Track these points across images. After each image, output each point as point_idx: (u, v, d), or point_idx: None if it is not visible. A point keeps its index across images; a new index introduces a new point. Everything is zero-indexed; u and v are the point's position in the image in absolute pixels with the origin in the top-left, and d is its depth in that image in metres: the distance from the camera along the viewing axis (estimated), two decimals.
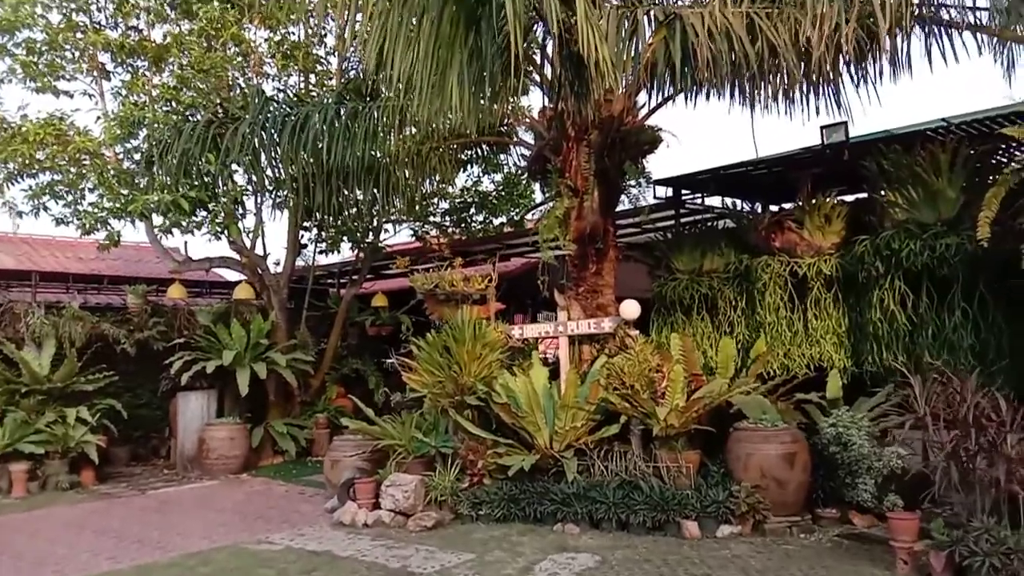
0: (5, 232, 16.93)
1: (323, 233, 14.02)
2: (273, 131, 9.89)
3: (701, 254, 9.63)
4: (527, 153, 9.79)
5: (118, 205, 11.16)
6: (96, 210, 12.01)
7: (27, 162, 11.44)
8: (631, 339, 8.07)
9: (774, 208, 10.39)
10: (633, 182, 9.24)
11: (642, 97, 9.34)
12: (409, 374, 8.55)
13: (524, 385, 7.84)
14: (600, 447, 7.61)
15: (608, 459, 7.48)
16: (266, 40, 12.67)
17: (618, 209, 9.67)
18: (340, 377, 14.27)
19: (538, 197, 13.29)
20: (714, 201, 11.05)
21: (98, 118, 11.75)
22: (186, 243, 12.72)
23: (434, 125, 9.16)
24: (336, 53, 13.02)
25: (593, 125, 8.78)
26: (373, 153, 10.13)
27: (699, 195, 10.91)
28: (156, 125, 10.91)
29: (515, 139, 10.32)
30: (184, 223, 11.32)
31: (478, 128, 8.66)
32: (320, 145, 9.74)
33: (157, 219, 12.07)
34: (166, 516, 8.78)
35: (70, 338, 11.96)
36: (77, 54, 12.22)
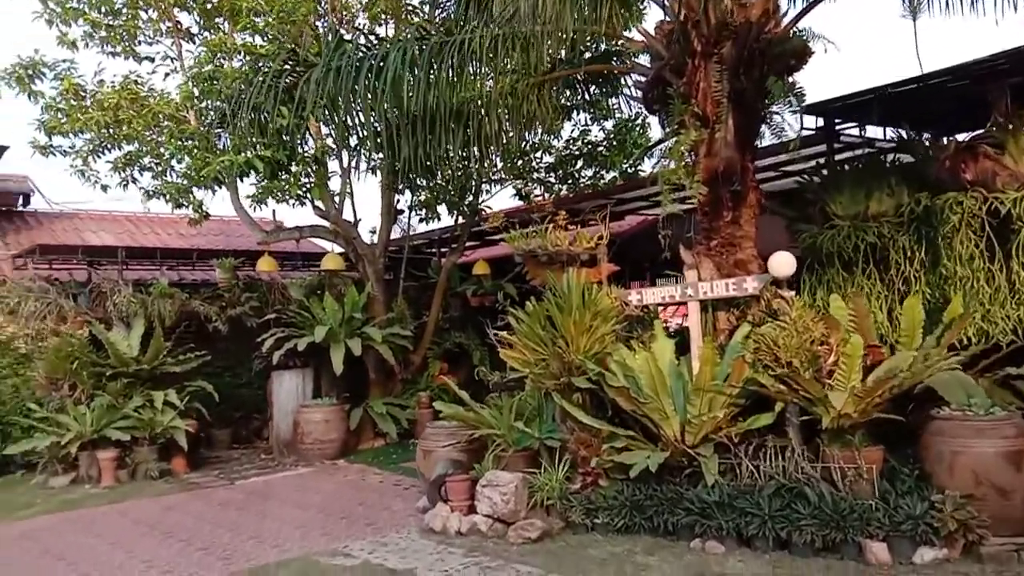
0: (108, 210, 16.90)
1: (416, 196, 12.80)
2: (350, 77, 8.64)
3: (865, 195, 7.66)
4: (642, 80, 8.11)
5: (193, 172, 10.28)
6: (178, 179, 11.26)
7: (104, 130, 10.75)
8: (785, 302, 6.34)
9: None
10: (777, 107, 7.42)
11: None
12: (507, 351, 7.15)
13: (646, 363, 6.29)
14: (747, 441, 5.98)
15: (759, 457, 5.85)
16: None
17: (758, 145, 7.90)
18: (443, 352, 13.12)
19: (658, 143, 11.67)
20: (874, 132, 9.05)
21: (167, 75, 10.92)
22: (274, 212, 11.81)
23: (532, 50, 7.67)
24: None
25: (724, 36, 7.03)
26: (462, 96, 8.75)
27: (856, 124, 8.91)
28: (230, 81, 9.92)
29: (628, 64, 8.65)
30: (259, 187, 10.30)
31: (584, 50, 7.10)
32: (401, 89, 8.42)
33: (244, 187, 11.23)
34: (245, 513, 7.84)
35: (159, 316, 11.34)
36: (156, 15, 11.41)
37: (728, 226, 7.36)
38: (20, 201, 16.17)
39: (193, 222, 11.75)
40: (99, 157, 11.56)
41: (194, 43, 11.48)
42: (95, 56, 11.31)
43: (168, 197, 11.46)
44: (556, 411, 6.81)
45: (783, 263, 6.47)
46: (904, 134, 8.47)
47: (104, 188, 11.47)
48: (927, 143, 8.11)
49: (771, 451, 5.82)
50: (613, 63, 9.85)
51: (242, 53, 10.56)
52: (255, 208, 11.46)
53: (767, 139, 8.02)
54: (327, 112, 9.11)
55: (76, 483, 9.89)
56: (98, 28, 10.89)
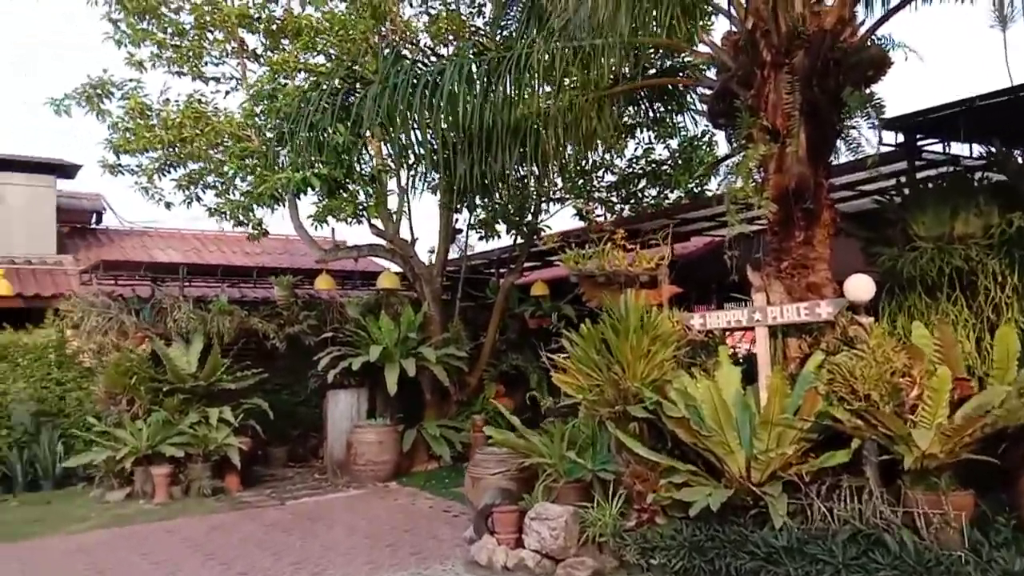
0: (177, 229, 17.25)
1: (475, 215, 12.61)
2: (406, 93, 8.51)
3: (951, 215, 7.08)
4: (708, 93, 7.72)
5: (253, 190, 10.31)
6: (240, 197, 11.35)
7: (168, 148, 10.92)
8: (863, 329, 5.85)
9: None
10: (853, 121, 6.93)
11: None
12: (560, 375, 6.81)
13: (709, 392, 5.87)
14: (819, 480, 5.48)
15: (833, 498, 5.35)
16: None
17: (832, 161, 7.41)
18: (499, 375, 12.84)
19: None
20: (959, 150, 8.45)
21: (227, 93, 11.02)
22: (333, 231, 11.76)
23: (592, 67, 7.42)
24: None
25: (796, 45, 6.62)
26: (519, 112, 8.53)
27: (940, 140, 8.33)
28: (290, 99, 9.93)
29: (693, 78, 8.28)
30: (319, 206, 10.28)
31: (648, 66, 6.80)
32: (457, 105, 8.24)
33: (304, 207, 11.24)
34: (291, 536, 7.66)
35: (218, 333, 11.39)
36: (222, 36, 11.57)
37: (800, 247, 6.89)
38: (93, 219, 16.70)
39: (252, 238, 11.82)
40: (164, 175, 11.76)
41: (259, 63, 11.60)
42: (161, 76, 11.53)
43: (229, 215, 11.58)
44: (611, 441, 6.43)
45: (861, 287, 5.97)
46: (994, 150, 7.86)
47: (168, 205, 11.67)
48: (1021, 160, 7.50)
49: (846, 492, 5.31)
50: (678, 76, 9.48)
51: (302, 72, 10.59)
52: (316, 227, 11.47)
53: (843, 156, 7.53)
54: (384, 129, 9.02)
55: (131, 498, 9.92)
56: (165, 48, 11.10)
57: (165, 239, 16.68)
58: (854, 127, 7.27)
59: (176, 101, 11.00)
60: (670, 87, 10.11)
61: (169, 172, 11.74)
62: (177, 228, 17.27)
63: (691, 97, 10.26)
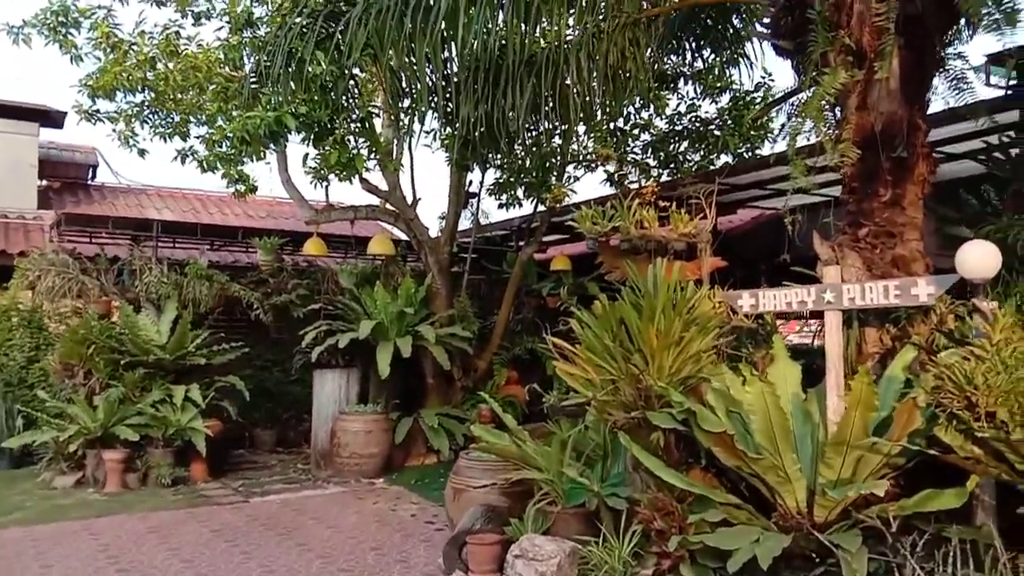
0: (178, 188, 16.01)
1: (489, 175, 11.09)
2: (399, 12, 6.96)
3: None
4: (771, 7, 6.05)
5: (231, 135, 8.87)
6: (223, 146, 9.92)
7: (142, 88, 9.55)
8: (986, 319, 4.20)
9: None
10: (963, 40, 5.25)
11: None
12: (563, 365, 5.25)
13: (761, 397, 4.29)
14: (913, 528, 3.89)
15: (934, 556, 3.76)
16: None
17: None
18: (512, 359, 11.34)
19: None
20: None
21: (198, 17, 9.50)
22: (327, 188, 10.27)
23: None
24: None
25: None
26: (533, 42, 6.97)
27: None
28: (273, 27, 8.46)
29: None
30: (314, 156, 8.78)
31: None
32: (456, 29, 6.68)
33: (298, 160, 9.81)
34: (231, 550, 6.24)
35: (195, 300, 10.08)
36: None
37: (885, 208, 5.25)
38: (89, 174, 15.52)
39: (238, 195, 10.38)
40: (145, 124, 10.40)
41: None
42: (136, 7, 10.11)
43: (213, 167, 10.16)
44: (627, 456, 4.89)
45: (983, 259, 4.28)
46: None
47: (141, 152, 10.27)
48: None
49: (955, 551, 3.72)
50: None
51: None
52: (314, 185, 10.02)
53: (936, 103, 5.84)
54: (373, 60, 7.53)
55: (81, 485, 8.68)
56: None
57: (164, 199, 15.42)
58: (961, 56, 5.61)
59: (151, 34, 9.59)
60: (720, 26, 8.43)
61: (149, 121, 10.39)
62: (178, 187, 16.04)
63: (748, 44, 8.56)
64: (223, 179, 10.22)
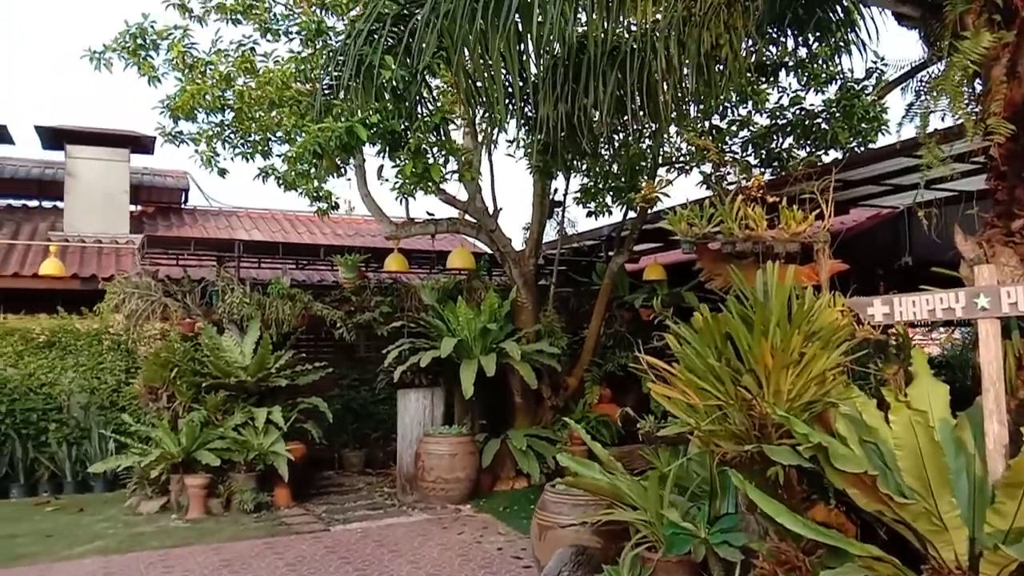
0: (268, 209, 16.13)
1: (574, 181, 10.47)
2: (471, 10, 6.47)
3: None
4: None
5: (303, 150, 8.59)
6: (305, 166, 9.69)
7: (219, 106, 9.44)
8: None
9: None
10: None
11: None
12: (659, 387, 4.56)
13: (909, 427, 3.50)
14: None
15: None
16: None
17: None
18: (604, 376, 10.66)
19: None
20: None
21: (267, 31, 9.27)
22: (407, 202, 9.89)
23: None
24: None
25: None
26: (617, 25, 6.34)
27: None
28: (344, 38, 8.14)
29: None
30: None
31: None
32: (530, 23, 6.13)
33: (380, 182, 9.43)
34: None
35: (277, 320, 9.87)
36: None
37: None
38: (182, 198, 15.81)
39: (321, 213, 10.13)
40: (226, 144, 10.32)
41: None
42: (213, 25, 9.95)
43: (290, 184, 9.96)
44: (737, 494, 4.17)
45: None
46: None
47: (222, 172, 10.18)
48: None
49: None
50: None
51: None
52: (400, 202, 9.62)
53: None
54: (445, 62, 7.07)
55: (166, 510, 8.56)
56: None
57: (253, 220, 15.58)
58: None
59: (227, 51, 9.48)
60: (829, 5, 7.57)
61: (230, 140, 10.30)
62: (267, 208, 16.16)
63: (860, 21, 7.67)
64: (304, 196, 10.02)
